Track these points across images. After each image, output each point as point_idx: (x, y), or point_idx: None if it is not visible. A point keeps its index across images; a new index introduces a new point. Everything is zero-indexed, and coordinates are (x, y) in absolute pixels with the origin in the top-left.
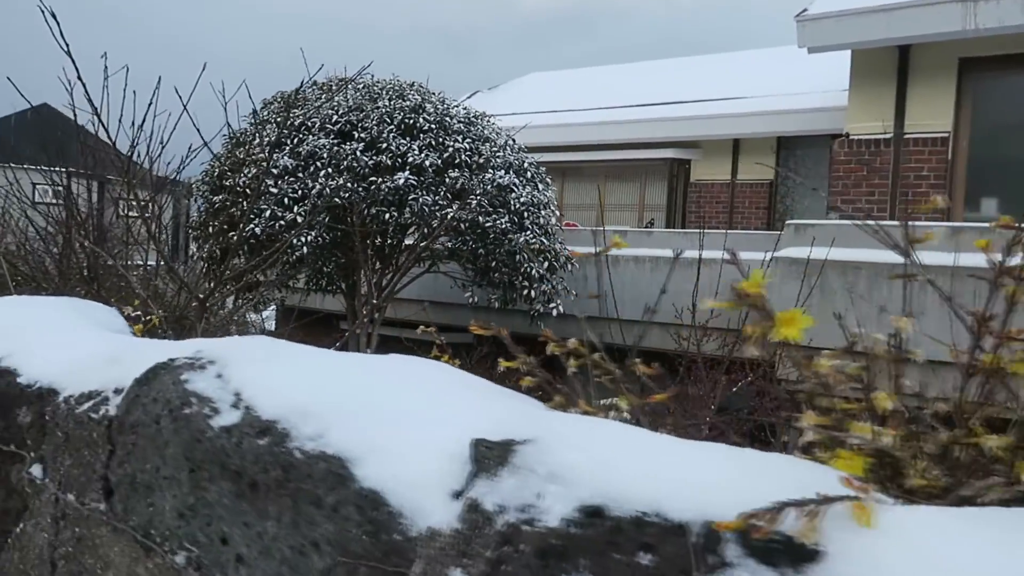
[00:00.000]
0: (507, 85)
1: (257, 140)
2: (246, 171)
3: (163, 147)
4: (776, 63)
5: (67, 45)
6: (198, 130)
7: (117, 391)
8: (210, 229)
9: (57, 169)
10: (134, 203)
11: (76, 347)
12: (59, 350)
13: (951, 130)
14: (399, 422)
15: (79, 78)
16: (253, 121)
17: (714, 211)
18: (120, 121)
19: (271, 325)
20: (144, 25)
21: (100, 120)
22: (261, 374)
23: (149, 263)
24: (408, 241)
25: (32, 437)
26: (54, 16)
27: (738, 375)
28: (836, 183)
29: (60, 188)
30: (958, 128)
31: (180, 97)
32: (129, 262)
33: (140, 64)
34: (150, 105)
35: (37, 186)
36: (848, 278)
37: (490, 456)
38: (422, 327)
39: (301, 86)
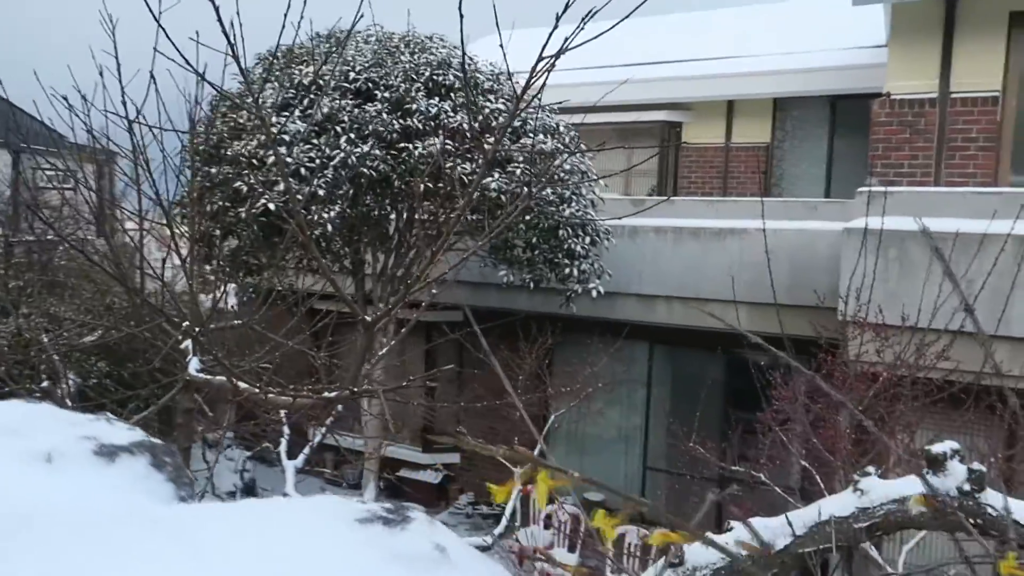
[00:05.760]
0: (473, 45)
1: (252, 100)
2: (249, 138)
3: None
4: (773, 21)
5: None
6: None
7: None
8: (208, 206)
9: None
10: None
11: None
12: None
13: (1001, 89)
14: None
15: None
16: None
17: (707, 176)
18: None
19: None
20: None
21: (236, 59)
22: None
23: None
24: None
25: None
26: None
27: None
28: (876, 146)
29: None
30: (1007, 86)
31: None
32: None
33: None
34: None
35: None
36: (931, 249)
37: None
38: None
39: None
